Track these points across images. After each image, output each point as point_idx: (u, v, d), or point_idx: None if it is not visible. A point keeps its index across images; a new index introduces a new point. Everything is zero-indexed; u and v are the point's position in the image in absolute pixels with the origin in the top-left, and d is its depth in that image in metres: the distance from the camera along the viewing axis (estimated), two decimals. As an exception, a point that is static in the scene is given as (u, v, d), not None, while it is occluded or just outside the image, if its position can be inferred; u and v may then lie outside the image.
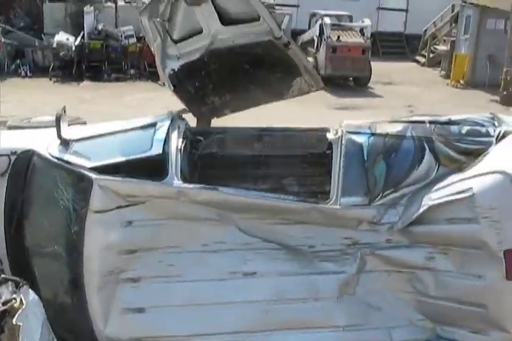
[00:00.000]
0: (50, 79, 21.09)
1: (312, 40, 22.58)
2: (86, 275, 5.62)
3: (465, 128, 5.96)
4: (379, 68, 22.98)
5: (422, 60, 28.75)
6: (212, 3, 6.27)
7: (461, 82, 23.55)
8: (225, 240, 5.71)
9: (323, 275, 5.78)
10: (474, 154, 5.80)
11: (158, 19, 6.41)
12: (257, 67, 6.81)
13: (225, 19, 6.41)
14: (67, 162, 5.82)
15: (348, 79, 22.65)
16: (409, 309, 5.78)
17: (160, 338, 5.66)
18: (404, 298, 5.79)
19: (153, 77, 21.64)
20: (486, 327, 5.54)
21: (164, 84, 6.85)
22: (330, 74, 21.16)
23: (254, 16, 6.33)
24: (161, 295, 5.67)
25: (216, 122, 7.16)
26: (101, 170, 5.69)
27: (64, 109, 6.19)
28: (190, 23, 6.48)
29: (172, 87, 6.70)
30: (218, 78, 6.92)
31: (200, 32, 6.48)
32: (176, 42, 6.58)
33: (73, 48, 21.62)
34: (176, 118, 6.28)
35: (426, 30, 29.56)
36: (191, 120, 6.61)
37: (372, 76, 22.21)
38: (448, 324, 5.72)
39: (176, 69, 6.67)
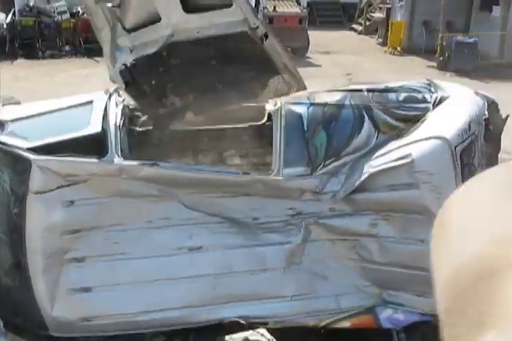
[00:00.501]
0: (-17, 58, 20.62)
1: (249, 11, 22.48)
2: (29, 257, 5.55)
3: (402, 95, 6.01)
4: (316, 37, 23.01)
5: (359, 28, 28.88)
6: None
7: (398, 49, 23.74)
8: (169, 216, 5.69)
9: (269, 246, 5.81)
10: (412, 120, 5.86)
11: (108, 3, 5.49)
12: (227, 63, 6.03)
13: (189, 5, 5.62)
14: (3, 143, 5.70)
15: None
16: (355, 276, 5.86)
17: (108, 317, 5.64)
18: (350, 265, 5.87)
19: (89, 53, 21.37)
20: (430, 289, 5.62)
21: (113, 80, 5.81)
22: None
23: (226, 1, 5.60)
24: (106, 274, 5.63)
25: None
26: (39, 150, 5.59)
27: (-4, 90, 6.07)
28: (146, 9, 5.63)
29: (123, 85, 5.78)
30: (180, 75, 6.03)
31: (158, 20, 5.65)
32: (128, 31, 5.70)
33: (4, 26, 21.16)
34: (113, 95, 6.19)
35: (361, -2, 29.68)
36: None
37: (310, 45, 22.23)
38: (394, 288, 5.82)
39: (129, 64, 5.80)
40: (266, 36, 5.70)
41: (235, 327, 5.76)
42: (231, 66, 5.97)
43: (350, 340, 6.02)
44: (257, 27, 5.68)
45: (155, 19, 5.63)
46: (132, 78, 5.82)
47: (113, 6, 5.50)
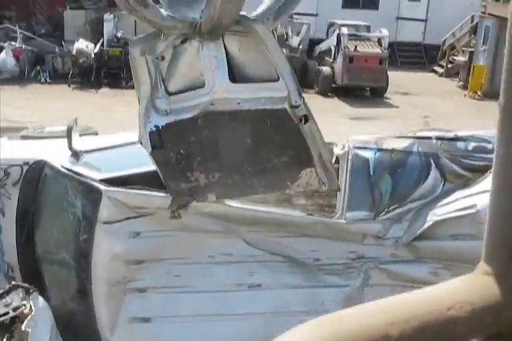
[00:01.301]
0: (69, 86, 21.30)
1: (330, 50, 22.66)
2: (94, 284, 5.72)
3: (471, 145, 6.01)
4: (396, 78, 23.01)
5: (440, 70, 28.74)
6: (225, 50, 5.22)
7: (479, 93, 23.53)
8: (231, 252, 5.78)
9: (327, 288, 5.84)
10: (480, 170, 5.84)
11: (153, 56, 5.22)
12: (261, 144, 5.55)
13: (236, 75, 5.34)
14: (77, 173, 5.92)
15: (364, 89, 22.68)
16: None
17: None
18: None
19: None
20: None
21: (141, 142, 5.37)
22: (346, 83, 21.25)
23: (273, 76, 5.29)
24: (167, 306, 5.74)
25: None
26: (111, 181, 5.79)
27: (75, 121, 6.30)
28: (192, 74, 5.34)
29: (150, 149, 5.35)
30: (210, 149, 5.54)
31: (201, 85, 5.32)
32: (169, 93, 5.37)
33: (92, 55, 21.84)
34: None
35: (445, 41, 29.54)
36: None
37: (389, 86, 22.23)
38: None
39: (161, 127, 5.36)
40: (306, 119, 5.31)
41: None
42: (265, 148, 5.55)
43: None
44: (299, 106, 5.29)
45: (199, 84, 5.33)
46: (161, 143, 5.41)
47: (156, 58, 5.22)
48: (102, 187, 5.73)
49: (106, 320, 5.73)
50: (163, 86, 5.31)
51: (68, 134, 6.06)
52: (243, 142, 5.50)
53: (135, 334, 5.74)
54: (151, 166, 5.83)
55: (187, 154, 5.49)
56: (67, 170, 5.99)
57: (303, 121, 5.29)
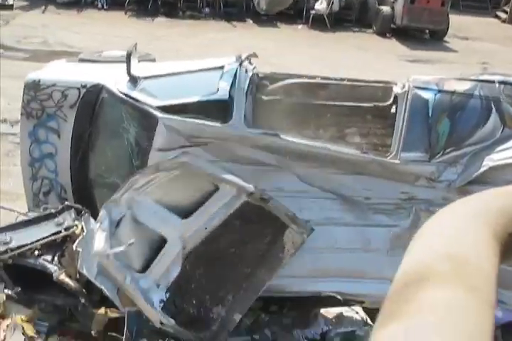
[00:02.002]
0: (126, 13, 21.17)
1: (391, -11, 22.12)
2: None
3: None
4: (457, 22, 22.41)
5: (504, 15, 27.87)
6: None
7: (542, 41, 22.86)
8: (283, 186, 5.78)
9: (376, 227, 5.83)
10: None
11: None
12: (244, 243, 5.75)
13: (183, 213, 5.53)
14: (134, 99, 5.93)
15: (424, 32, 22.19)
16: None
17: None
18: None
19: (228, 17, 21.63)
20: None
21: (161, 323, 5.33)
22: (406, 24, 20.77)
23: (212, 187, 5.51)
24: None
25: (282, 68, 7.05)
26: (167, 109, 5.78)
27: (135, 46, 6.28)
28: (146, 241, 5.54)
29: (172, 321, 5.35)
30: (211, 280, 5.73)
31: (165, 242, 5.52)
32: (141, 272, 5.49)
33: (150, -17, 21.64)
34: (244, 61, 6.31)
35: (510, -15, 28.60)
36: (258, 65, 6.59)
37: (449, 30, 21.70)
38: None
39: (165, 303, 5.49)
40: (264, 198, 5.51)
41: (330, 302, 5.85)
42: (248, 243, 5.74)
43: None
44: (253, 190, 5.48)
45: (162, 242, 5.47)
46: (176, 309, 5.56)
47: None
48: (158, 114, 5.73)
49: None
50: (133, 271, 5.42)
51: (127, 59, 6.04)
52: (230, 253, 5.71)
53: None
54: (206, 96, 5.82)
55: (198, 302, 5.63)
56: (125, 95, 6.00)
57: (265, 201, 5.51)
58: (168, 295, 5.51)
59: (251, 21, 21.65)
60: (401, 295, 0.77)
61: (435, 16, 20.62)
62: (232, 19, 21.51)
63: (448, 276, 0.77)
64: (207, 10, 22.18)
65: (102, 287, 5.32)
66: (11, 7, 20.13)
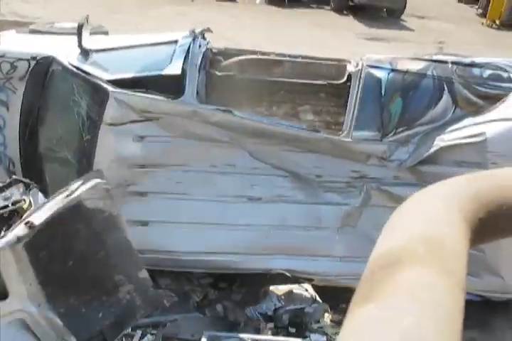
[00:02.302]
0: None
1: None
2: None
3: (487, 72, 5.90)
4: (415, 1, 22.49)
5: (460, -5, 28.06)
6: None
7: (497, 22, 23.03)
8: (234, 163, 5.76)
9: (326, 205, 5.85)
10: (492, 99, 5.76)
11: None
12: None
13: None
14: (85, 72, 5.82)
15: (381, 10, 22.22)
16: None
17: (160, 252, 5.79)
18: None
19: (185, -10, 21.37)
20: (480, 270, 5.62)
21: None
22: (364, 3, 20.77)
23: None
24: (165, 211, 5.76)
25: (237, 43, 7.00)
26: (118, 83, 5.69)
27: (87, 18, 6.16)
28: None
29: None
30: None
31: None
32: None
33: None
34: (198, 36, 6.23)
35: (467, -35, 28.73)
36: (213, 39, 6.52)
37: (406, 8, 21.76)
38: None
39: None
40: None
41: (279, 279, 5.86)
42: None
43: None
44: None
45: None
46: None
47: None
48: (109, 88, 5.64)
49: None
50: None
51: (79, 31, 5.94)
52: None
53: (132, 237, 5.77)
54: (158, 71, 5.75)
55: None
56: (76, 68, 5.89)
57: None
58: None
59: (209, -5, 21.45)
60: (376, 277, 0.78)
61: (392, -5, 20.66)
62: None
63: (423, 258, 0.79)
64: (165, -18, 21.90)
65: None
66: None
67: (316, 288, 5.89)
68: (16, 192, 5.57)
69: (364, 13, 20.58)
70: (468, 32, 21.00)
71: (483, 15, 24.16)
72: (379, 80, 5.82)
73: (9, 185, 5.64)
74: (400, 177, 5.77)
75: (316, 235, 5.84)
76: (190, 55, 5.90)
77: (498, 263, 5.54)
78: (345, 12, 20.59)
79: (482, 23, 23.26)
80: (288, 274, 5.76)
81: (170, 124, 5.65)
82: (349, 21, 19.91)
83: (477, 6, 25.89)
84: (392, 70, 5.86)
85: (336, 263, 5.87)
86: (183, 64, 5.81)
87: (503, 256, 5.52)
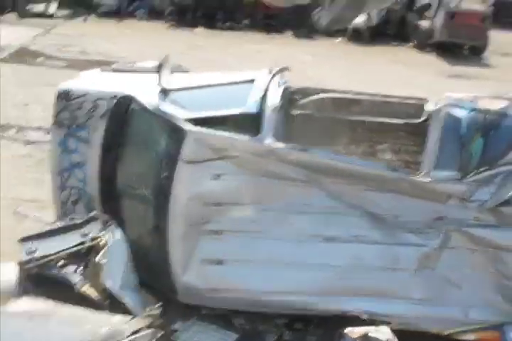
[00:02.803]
0: (165, 24, 21.28)
1: (429, 4, 21.91)
2: (171, 222, 5.74)
3: None
4: (499, 38, 22.17)
5: (547, 32, 27.54)
6: None
7: None
8: (310, 202, 5.71)
9: (404, 246, 5.72)
10: None
11: None
12: None
13: None
14: (163, 111, 5.89)
15: (462, 47, 21.98)
16: (489, 290, 5.68)
17: (235, 291, 5.75)
18: (486, 278, 5.69)
19: (267, 28, 21.62)
20: None
21: None
22: (445, 40, 20.60)
23: None
24: (240, 250, 5.74)
25: (318, 81, 7.00)
26: (196, 121, 5.74)
27: (167, 58, 6.26)
28: None
29: None
30: None
31: None
32: None
33: (192, -6, 21.75)
34: (276, 75, 6.26)
35: (554, 1, 28.20)
36: (292, 78, 6.53)
37: (489, 46, 21.47)
38: (527, 308, 5.61)
39: None
40: None
41: (356, 321, 5.74)
42: None
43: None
44: None
45: None
46: None
47: None
48: (187, 127, 5.70)
49: (179, 259, 5.77)
50: None
51: (159, 70, 6.03)
52: None
53: (206, 276, 5.77)
54: (236, 109, 5.79)
55: None
56: (154, 107, 5.97)
57: None
58: None
59: (290, 33, 21.62)
60: None
61: (475, 32, 20.41)
62: (271, 31, 21.51)
63: None
64: (246, 21, 22.20)
65: (125, 300, 5.27)
66: (51, 16, 20.36)
67: (394, 331, 5.74)
68: (94, 229, 5.67)
69: (446, 51, 20.37)
70: (554, 69, 20.53)
71: None
72: (459, 120, 5.71)
73: (88, 222, 5.74)
74: (481, 219, 5.61)
75: (394, 276, 5.71)
76: (267, 93, 5.92)
77: None
78: (428, 49, 20.44)
79: None
80: (364, 316, 5.65)
81: (246, 163, 5.66)
82: (431, 58, 19.73)
83: None
84: (473, 109, 5.75)
85: (414, 305, 5.72)
86: (261, 103, 5.83)
87: None
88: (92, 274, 5.39)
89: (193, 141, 5.63)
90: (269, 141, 5.66)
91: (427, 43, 20.69)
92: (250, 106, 5.82)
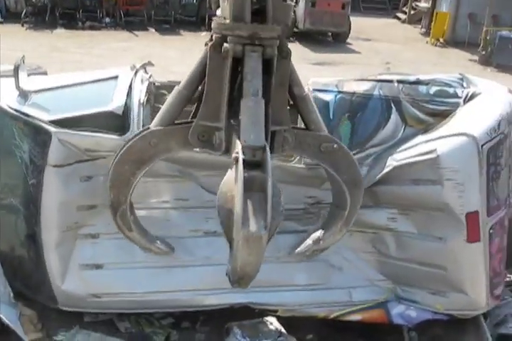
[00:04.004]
0: (23, 26, 20.66)
1: (291, -7, 22.22)
2: (44, 230, 5.51)
3: (433, 89, 5.87)
4: (359, 24, 22.78)
5: (403, 16, 28.52)
6: None
7: (441, 40, 23.39)
8: (187, 197, 5.62)
9: (284, 234, 5.71)
10: (441, 115, 5.72)
11: None
12: None
13: None
14: (25, 114, 5.64)
15: (326, 35, 22.41)
16: (370, 269, 5.79)
17: (117, 294, 5.62)
18: (366, 258, 5.80)
19: (129, 26, 21.34)
20: (445, 288, 5.56)
21: None
22: (308, 28, 20.95)
23: None
24: (120, 252, 5.58)
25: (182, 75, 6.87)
26: (60, 123, 5.52)
27: (23, 59, 6.01)
28: None
29: None
30: None
31: None
32: None
33: (46, -5, 21.20)
34: (139, 71, 6.12)
35: (407, -14, 29.20)
36: (156, 73, 6.41)
37: (351, 32, 21.99)
38: (408, 285, 5.74)
39: None
40: None
41: (244, 313, 5.72)
42: None
43: (359, 336, 5.94)
44: None
45: None
46: None
47: None
48: (51, 128, 5.47)
49: (56, 267, 5.56)
50: None
51: (15, 73, 5.77)
52: None
53: (87, 281, 5.59)
54: (100, 108, 5.60)
55: None
56: (15, 110, 5.71)
57: None
58: None
59: (153, 30, 21.43)
60: None
61: (336, 19, 20.87)
62: (134, 28, 21.25)
63: None
64: (107, 20, 21.85)
65: (1, 315, 5.03)
66: None
67: (281, 320, 5.76)
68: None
69: (309, 39, 20.72)
70: (414, 51, 21.27)
71: (427, 34, 24.54)
72: (326, 104, 5.75)
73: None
74: None
75: (276, 265, 5.70)
76: (132, 90, 5.78)
77: (461, 279, 5.46)
78: (291, 39, 20.70)
79: (427, 42, 23.59)
80: (252, 307, 5.63)
81: None
82: (296, 47, 20.01)
83: (420, 26, 26.32)
84: (339, 92, 5.81)
85: (299, 292, 5.76)
86: (126, 99, 5.67)
87: (464, 271, 5.45)
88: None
89: (58, 143, 5.39)
90: None
91: (291, 32, 20.96)
92: (115, 103, 5.64)
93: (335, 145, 4.64)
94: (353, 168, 4.78)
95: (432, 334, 5.78)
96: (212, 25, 4.05)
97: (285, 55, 4.14)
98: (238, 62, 3.98)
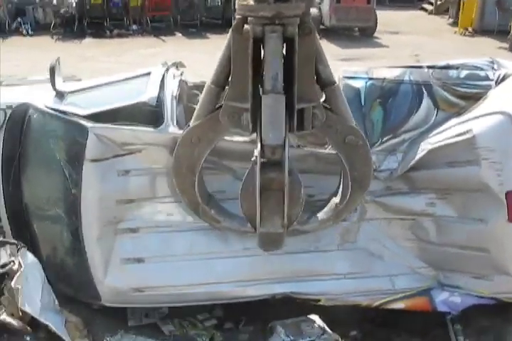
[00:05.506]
0: (52, 37, 20.86)
1: (315, -9, 22.20)
2: (84, 226, 5.57)
3: (463, 73, 5.85)
4: (385, 17, 22.62)
5: (430, 7, 28.22)
6: None
7: (470, 29, 23.13)
8: (224, 189, 5.63)
9: None
10: (473, 98, 5.70)
11: None
12: None
13: None
14: (62, 112, 5.71)
15: (353, 30, 22.33)
16: (411, 256, 5.74)
17: (159, 287, 5.65)
18: (406, 245, 5.74)
19: (156, 32, 21.45)
20: (488, 271, 5.49)
21: None
22: (334, 24, 20.90)
23: None
24: (160, 245, 5.63)
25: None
26: (96, 118, 5.56)
27: (58, 60, 6.08)
28: None
29: None
30: None
31: None
32: None
33: (74, 5, 21.35)
34: (170, 67, 6.17)
35: (433, -23, 28.95)
36: (188, 73, 6.44)
37: (378, 25, 21.87)
38: (450, 270, 5.68)
39: None
40: None
41: (286, 312, 5.70)
42: None
43: (402, 331, 5.91)
44: None
45: None
46: None
47: None
48: (87, 124, 5.52)
49: (98, 262, 5.62)
50: None
51: (51, 73, 5.85)
52: None
53: (129, 275, 5.64)
54: (135, 100, 5.63)
55: None
56: (52, 109, 5.79)
57: None
58: None
59: (180, 34, 21.53)
60: None
61: (362, 14, 20.78)
62: (161, 34, 21.36)
63: None
64: (134, 27, 21.98)
65: (48, 323, 5.05)
66: None
67: (323, 318, 5.75)
68: (3, 255, 5.40)
69: (336, 35, 20.65)
70: (443, 42, 21.10)
71: (455, 24, 24.30)
72: (357, 90, 5.75)
73: (-6, 249, 5.47)
74: (393, 187, 5.66)
75: (317, 255, 5.71)
76: (164, 82, 5.82)
77: (505, 260, 5.41)
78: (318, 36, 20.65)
79: (455, 32, 23.38)
80: (294, 297, 5.64)
81: (153, 155, 5.51)
82: (323, 44, 19.90)
83: (448, 16, 26.06)
84: (370, 79, 5.80)
85: (340, 281, 5.74)
86: (159, 92, 5.69)
87: (507, 252, 5.39)
88: (9, 301, 5.15)
89: (95, 138, 5.44)
90: (172, 130, 5.51)
91: (317, 30, 20.91)
92: (148, 95, 5.67)
93: (360, 142, 4.69)
94: (366, 168, 4.82)
95: (477, 326, 5.69)
96: (236, 7, 4.08)
97: (308, 31, 4.15)
98: (261, 42, 4.03)
